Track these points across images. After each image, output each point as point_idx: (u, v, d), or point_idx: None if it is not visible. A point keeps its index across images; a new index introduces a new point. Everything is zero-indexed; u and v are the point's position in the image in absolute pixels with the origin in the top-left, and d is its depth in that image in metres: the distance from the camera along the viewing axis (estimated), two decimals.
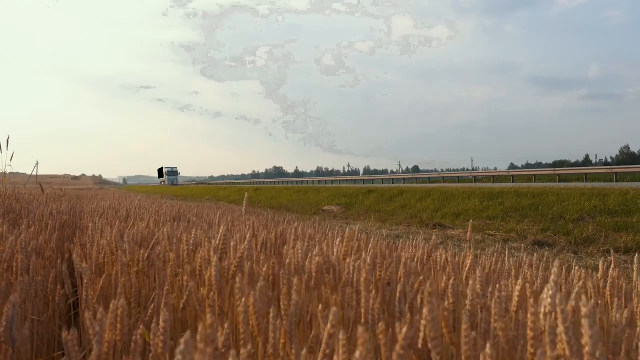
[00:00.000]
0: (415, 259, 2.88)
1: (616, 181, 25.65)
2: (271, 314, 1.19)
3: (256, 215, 9.53)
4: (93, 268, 2.04)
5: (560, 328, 0.97)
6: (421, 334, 1.15)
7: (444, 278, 2.18)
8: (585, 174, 30.10)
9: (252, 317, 1.29)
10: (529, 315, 1.11)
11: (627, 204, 11.57)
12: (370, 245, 2.68)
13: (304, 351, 1.09)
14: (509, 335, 1.23)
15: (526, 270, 3.14)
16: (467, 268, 2.35)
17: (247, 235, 1.74)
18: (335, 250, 2.13)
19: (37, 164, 16.83)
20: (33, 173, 17.55)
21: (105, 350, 1.09)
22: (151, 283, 2.07)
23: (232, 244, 1.80)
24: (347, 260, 1.78)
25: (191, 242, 2.03)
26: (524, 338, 1.31)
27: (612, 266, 2.42)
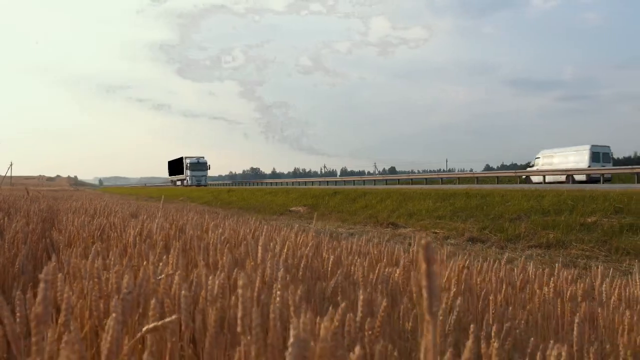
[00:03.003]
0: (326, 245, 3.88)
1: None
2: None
3: (213, 214, 10.49)
4: (65, 241, 3.03)
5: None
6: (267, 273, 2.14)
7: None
8: (545, 175, 31.45)
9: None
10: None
11: (560, 204, 12.71)
12: (283, 233, 3.68)
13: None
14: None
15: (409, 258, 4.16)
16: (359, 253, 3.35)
17: (166, 224, 2.75)
18: (241, 231, 3.12)
19: (11, 165, 17.56)
20: (7, 174, 18.25)
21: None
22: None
23: (154, 227, 2.80)
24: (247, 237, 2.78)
25: (123, 225, 3.05)
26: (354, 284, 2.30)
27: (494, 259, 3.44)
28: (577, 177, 33.19)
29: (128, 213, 6.05)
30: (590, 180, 32.36)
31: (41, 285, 0.81)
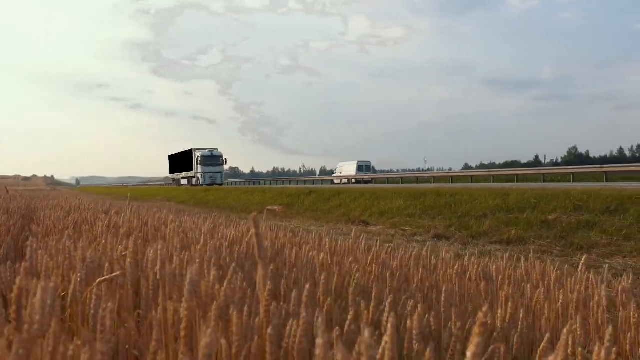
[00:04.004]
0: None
1: (556, 182, 27.68)
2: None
3: (188, 213, 10.84)
4: (43, 232, 3.38)
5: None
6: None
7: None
8: (517, 175, 32.18)
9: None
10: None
11: (524, 203, 13.22)
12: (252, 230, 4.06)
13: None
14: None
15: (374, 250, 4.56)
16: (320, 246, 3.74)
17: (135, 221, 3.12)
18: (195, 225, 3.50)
19: None
20: None
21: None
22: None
23: (121, 221, 3.17)
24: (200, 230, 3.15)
25: (94, 219, 3.42)
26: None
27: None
28: (353, 179, 50.72)
29: (100, 210, 6.42)
30: (358, 182, 48.91)
31: (28, 249, 1.15)
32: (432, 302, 2.09)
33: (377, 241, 3.64)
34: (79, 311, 1.33)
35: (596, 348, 1.17)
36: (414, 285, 2.32)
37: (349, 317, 1.17)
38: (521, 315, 1.70)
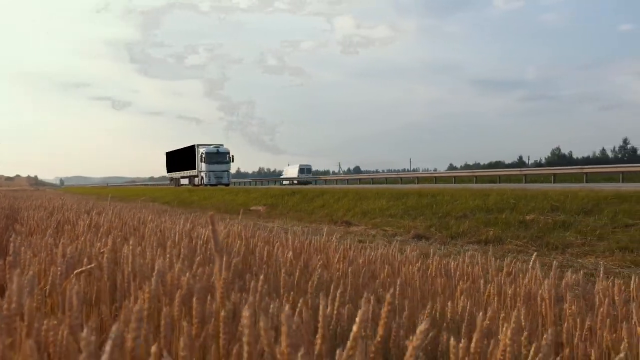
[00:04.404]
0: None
1: (539, 182, 28.04)
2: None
3: (169, 213, 10.98)
4: (27, 232, 3.51)
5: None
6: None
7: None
8: (500, 175, 32.56)
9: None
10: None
11: (503, 203, 13.46)
12: (227, 230, 4.21)
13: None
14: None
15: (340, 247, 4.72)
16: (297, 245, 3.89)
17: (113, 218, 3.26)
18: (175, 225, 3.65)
19: None
20: None
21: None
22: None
23: (102, 221, 3.31)
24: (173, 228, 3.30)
25: (76, 219, 3.56)
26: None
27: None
28: (296, 181, 59.24)
29: (83, 210, 6.55)
30: (300, 182, 57.31)
31: (11, 244, 1.29)
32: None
33: (347, 240, 3.82)
34: (59, 301, 1.48)
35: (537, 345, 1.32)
36: (377, 281, 2.49)
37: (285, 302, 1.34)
38: (468, 307, 1.87)
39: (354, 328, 0.86)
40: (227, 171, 52.00)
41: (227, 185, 48.93)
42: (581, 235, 10.12)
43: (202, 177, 51.51)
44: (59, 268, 1.45)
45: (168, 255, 1.79)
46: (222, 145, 53.52)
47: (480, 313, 1.20)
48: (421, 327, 0.83)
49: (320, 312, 0.95)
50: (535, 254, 3.55)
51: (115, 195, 39.13)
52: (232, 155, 52.68)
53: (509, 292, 2.28)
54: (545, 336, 1.15)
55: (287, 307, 0.85)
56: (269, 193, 24.13)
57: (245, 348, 0.83)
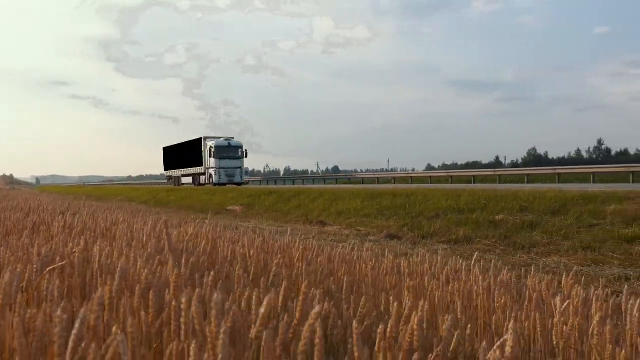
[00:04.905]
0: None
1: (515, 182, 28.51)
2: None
3: (143, 213, 11.10)
4: (3, 232, 3.68)
5: None
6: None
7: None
8: (475, 175, 33.03)
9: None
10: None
11: (474, 203, 13.77)
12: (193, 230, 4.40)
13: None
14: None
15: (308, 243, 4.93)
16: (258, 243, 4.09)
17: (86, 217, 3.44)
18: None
19: None
20: None
21: None
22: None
23: (75, 222, 3.49)
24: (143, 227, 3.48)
25: (52, 220, 3.73)
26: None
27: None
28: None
29: (58, 211, 6.69)
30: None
31: None
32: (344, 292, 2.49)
33: (312, 240, 4.04)
34: (34, 296, 1.66)
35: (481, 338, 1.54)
36: (332, 278, 2.70)
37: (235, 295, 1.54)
38: (406, 301, 2.09)
39: (261, 309, 1.06)
40: (240, 168, 45.16)
41: (240, 184, 42.70)
42: (547, 235, 10.43)
43: (210, 175, 45.23)
44: (35, 266, 1.65)
45: (132, 254, 1.99)
46: (232, 138, 46.84)
47: (396, 303, 1.41)
48: (315, 309, 1.04)
49: (254, 302, 1.16)
50: (476, 253, 3.78)
51: (92, 194, 38.94)
52: (245, 150, 45.99)
53: (449, 288, 2.51)
54: (446, 317, 1.37)
55: (230, 299, 1.05)
56: (245, 193, 24.28)
57: (182, 327, 1.03)
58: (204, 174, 46.51)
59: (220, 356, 0.93)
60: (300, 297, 1.20)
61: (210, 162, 45.21)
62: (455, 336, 1.45)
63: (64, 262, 1.76)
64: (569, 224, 10.89)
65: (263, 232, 5.28)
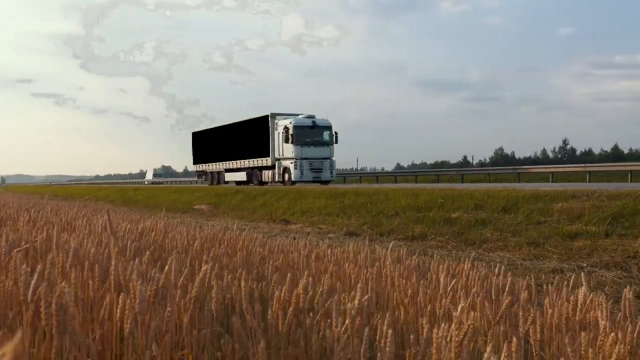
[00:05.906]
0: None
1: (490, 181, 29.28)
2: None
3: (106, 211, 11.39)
4: None
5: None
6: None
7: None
8: (439, 175, 33.74)
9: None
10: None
11: (432, 202, 14.29)
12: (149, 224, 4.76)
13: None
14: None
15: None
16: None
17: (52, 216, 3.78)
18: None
19: None
20: None
21: None
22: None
23: (40, 215, 3.82)
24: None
25: (17, 216, 4.06)
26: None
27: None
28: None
29: (24, 208, 6.97)
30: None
31: None
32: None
33: (259, 235, 4.44)
34: (4, 273, 2.01)
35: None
36: (266, 264, 3.10)
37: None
38: (325, 284, 2.51)
39: (162, 276, 1.46)
40: (330, 159, 32.08)
41: (328, 182, 30.83)
42: (497, 232, 10.97)
43: (284, 169, 31.72)
44: (3, 249, 2.00)
45: (86, 241, 2.36)
46: (314, 116, 32.87)
47: (288, 275, 1.82)
48: (204, 268, 1.43)
49: (172, 273, 1.55)
50: (391, 244, 4.23)
51: (59, 194, 38.73)
52: (336, 133, 32.63)
53: (367, 273, 2.94)
54: (354, 294, 1.78)
55: (153, 271, 1.44)
56: (213, 192, 24.54)
57: (112, 283, 1.42)
58: (272, 167, 32.52)
59: (138, 300, 1.31)
60: (200, 275, 1.59)
61: (284, 150, 31.41)
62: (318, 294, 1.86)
63: (27, 245, 2.12)
64: (518, 222, 11.43)
65: (213, 227, 5.67)
